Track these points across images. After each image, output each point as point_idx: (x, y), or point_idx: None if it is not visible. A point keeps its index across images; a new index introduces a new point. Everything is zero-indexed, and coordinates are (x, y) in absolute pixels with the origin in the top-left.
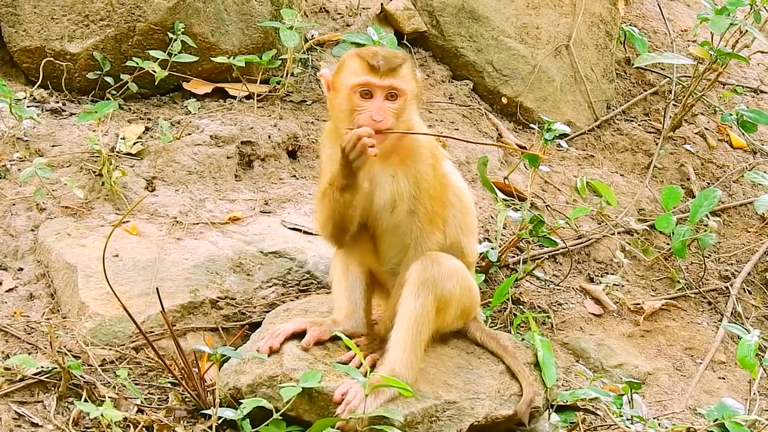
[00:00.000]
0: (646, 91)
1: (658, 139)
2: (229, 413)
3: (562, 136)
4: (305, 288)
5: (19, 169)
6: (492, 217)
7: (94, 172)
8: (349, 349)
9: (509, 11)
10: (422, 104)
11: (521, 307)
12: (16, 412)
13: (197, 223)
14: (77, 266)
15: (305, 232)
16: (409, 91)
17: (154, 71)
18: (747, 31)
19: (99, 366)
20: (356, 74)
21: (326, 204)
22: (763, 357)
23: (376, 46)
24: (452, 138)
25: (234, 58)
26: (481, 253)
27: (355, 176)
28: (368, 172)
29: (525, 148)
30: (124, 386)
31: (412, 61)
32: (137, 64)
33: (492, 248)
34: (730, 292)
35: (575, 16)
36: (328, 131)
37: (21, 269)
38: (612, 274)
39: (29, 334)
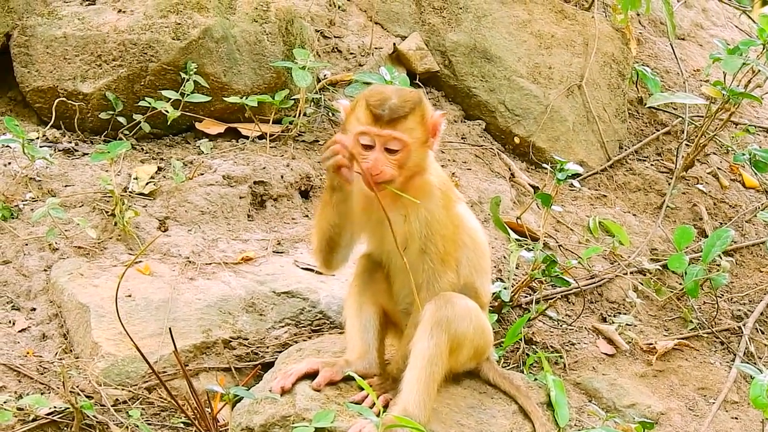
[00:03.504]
0: (658, 130)
1: (671, 178)
2: None
3: (575, 176)
4: (318, 328)
5: (32, 209)
6: (505, 257)
7: (107, 212)
8: (362, 389)
9: (521, 51)
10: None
11: (534, 347)
12: None
13: (210, 263)
14: (90, 306)
15: (318, 272)
16: (413, 141)
17: (167, 111)
18: (759, 70)
19: (112, 406)
20: (359, 122)
21: (318, 212)
22: None
23: (392, 87)
24: None
25: (246, 98)
26: (493, 293)
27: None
28: (379, 210)
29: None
30: (137, 426)
31: (425, 102)
32: (150, 104)
33: (505, 288)
34: (742, 332)
35: (587, 56)
36: None
37: (34, 309)
38: (624, 313)
39: (42, 374)
